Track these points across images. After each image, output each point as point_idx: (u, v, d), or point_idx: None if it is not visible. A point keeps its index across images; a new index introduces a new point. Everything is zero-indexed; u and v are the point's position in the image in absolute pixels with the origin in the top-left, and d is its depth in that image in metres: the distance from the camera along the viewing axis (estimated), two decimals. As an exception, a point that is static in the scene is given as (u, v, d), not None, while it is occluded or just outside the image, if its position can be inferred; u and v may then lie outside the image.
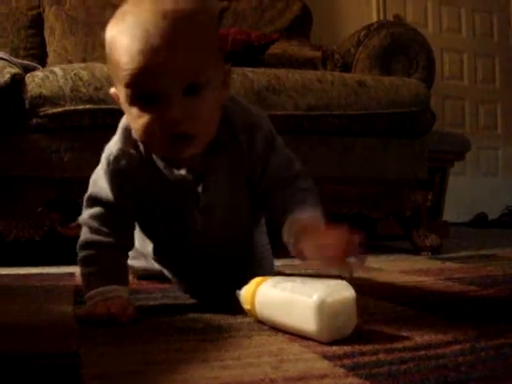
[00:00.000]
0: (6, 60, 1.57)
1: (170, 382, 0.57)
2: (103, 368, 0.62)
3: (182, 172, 0.91)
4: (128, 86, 0.79)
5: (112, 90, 0.88)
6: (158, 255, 1.07)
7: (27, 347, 0.71)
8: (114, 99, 0.88)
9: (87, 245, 0.92)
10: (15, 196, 1.56)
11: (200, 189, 0.93)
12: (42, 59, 2.32)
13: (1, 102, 1.49)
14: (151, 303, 1.00)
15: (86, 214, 0.94)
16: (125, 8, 0.81)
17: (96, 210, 0.93)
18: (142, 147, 0.91)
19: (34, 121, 1.54)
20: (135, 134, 0.87)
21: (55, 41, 2.37)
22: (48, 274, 1.36)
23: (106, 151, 0.93)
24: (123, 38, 0.78)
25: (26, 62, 1.83)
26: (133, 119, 0.82)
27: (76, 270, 1.36)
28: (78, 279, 1.24)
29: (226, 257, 1.02)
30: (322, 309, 0.72)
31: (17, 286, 1.20)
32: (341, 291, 0.75)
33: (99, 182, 0.93)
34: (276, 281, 0.84)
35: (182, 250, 1.01)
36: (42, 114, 1.53)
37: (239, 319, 0.86)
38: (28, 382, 0.58)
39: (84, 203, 0.96)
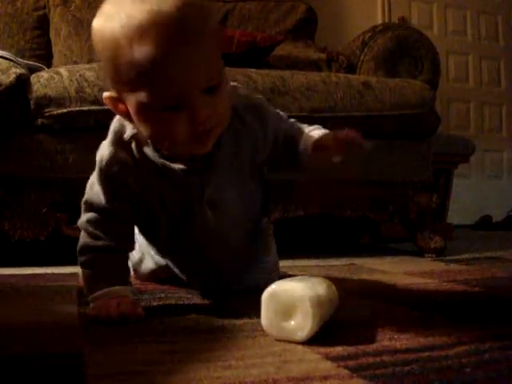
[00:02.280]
0: (11, 60, 1.58)
1: (173, 381, 0.57)
2: (107, 368, 0.62)
3: (181, 166, 0.90)
4: (146, 90, 0.76)
5: (107, 94, 0.84)
6: (163, 255, 1.08)
7: (31, 347, 0.71)
8: (108, 103, 0.85)
9: (85, 249, 0.93)
10: (20, 196, 1.56)
11: (202, 181, 0.92)
12: (47, 60, 2.33)
13: (6, 103, 1.50)
14: (154, 303, 1.00)
15: (83, 218, 0.94)
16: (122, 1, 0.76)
17: (91, 214, 0.93)
18: (135, 150, 0.90)
19: (39, 121, 1.54)
20: (149, 138, 0.85)
21: (60, 42, 2.38)
22: (52, 274, 1.36)
23: (97, 156, 0.92)
24: (135, 38, 0.73)
25: (31, 62, 1.84)
26: (148, 124, 0.81)
27: (80, 270, 1.37)
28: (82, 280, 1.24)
29: (235, 251, 1.02)
30: (269, 301, 0.73)
31: (21, 286, 1.20)
32: (302, 289, 0.74)
33: (94, 187, 0.93)
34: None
35: (189, 250, 1.01)
36: (47, 114, 1.54)
37: (243, 320, 0.86)
38: (32, 382, 0.58)
39: (82, 207, 0.96)
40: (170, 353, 0.68)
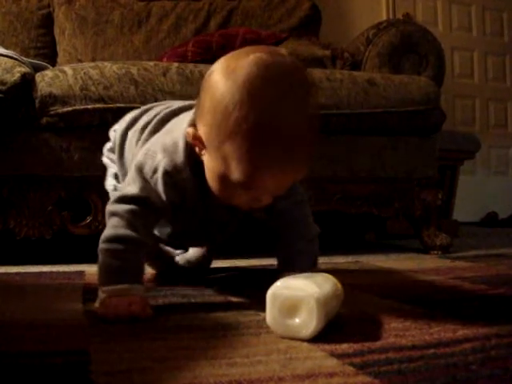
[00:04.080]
0: (16, 59, 1.58)
1: (179, 378, 0.57)
2: (112, 365, 0.62)
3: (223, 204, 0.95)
4: (232, 174, 0.82)
5: (192, 131, 0.87)
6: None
7: (37, 345, 0.71)
8: (189, 136, 0.87)
9: (118, 238, 0.90)
10: (25, 195, 1.56)
11: (230, 217, 1.05)
12: (52, 58, 2.34)
13: (11, 101, 1.50)
14: (160, 301, 1.00)
15: (125, 207, 0.92)
16: (255, 87, 0.77)
17: (138, 208, 0.93)
18: (197, 171, 0.92)
19: (44, 120, 1.55)
20: (213, 190, 0.90)
21: (65, 40, 2.38)
22: (58, 273, 1.37)
23: (166, 160, 0.93)
24: (245, 149, 0.78)
25: (36, 61, 1.84)
26: (216, 184, 0.88)
27: (86, 268, 1.38)
28: (88, 277, 1.25)
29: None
30: (274, 298, 0.74)
31: (27, 284, 1.21)
32: (306, 287, 0.74)
33: (152, 183, 0.94)
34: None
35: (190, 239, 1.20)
36: (52, 113, 1.54)
37: (248, 317, 0.86)
38: (37, 379, 0.58)
39: (123, 198, 0.94)
40: (175, 350, 0.68)
